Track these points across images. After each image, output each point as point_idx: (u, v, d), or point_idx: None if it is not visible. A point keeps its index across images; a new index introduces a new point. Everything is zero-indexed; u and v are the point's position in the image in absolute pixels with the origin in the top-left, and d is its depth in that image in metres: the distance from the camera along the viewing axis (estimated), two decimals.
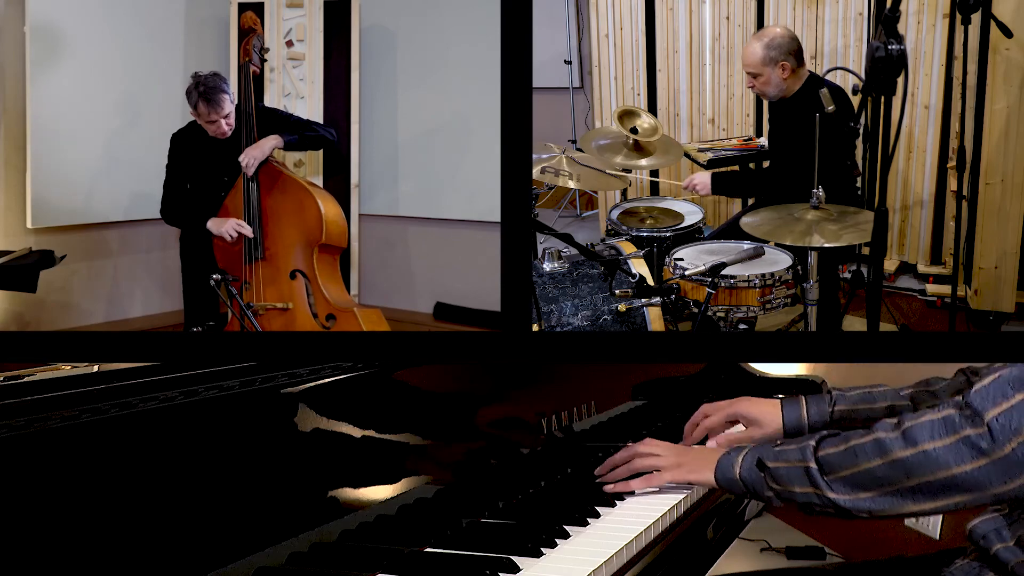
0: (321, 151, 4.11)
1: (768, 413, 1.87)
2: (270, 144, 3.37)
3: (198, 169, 3.44)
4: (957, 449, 1.31)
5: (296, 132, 3.46)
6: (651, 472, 1.71)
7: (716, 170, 3.70)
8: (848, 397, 1.86)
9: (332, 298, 3.31)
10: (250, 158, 3.33)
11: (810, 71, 3.41)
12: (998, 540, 1.58)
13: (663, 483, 1.69)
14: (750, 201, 3.88)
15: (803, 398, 1.89)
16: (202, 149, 3.42)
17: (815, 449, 1.46)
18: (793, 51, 3.31)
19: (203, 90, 3.29)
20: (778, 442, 1.56)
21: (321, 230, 3.32)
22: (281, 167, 3.44)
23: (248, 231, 3.31)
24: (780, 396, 1.99)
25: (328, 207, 3.36)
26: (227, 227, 3.31)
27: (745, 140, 4.23)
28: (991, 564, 1.55)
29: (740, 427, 1.92)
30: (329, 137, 3.59)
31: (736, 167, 4.08)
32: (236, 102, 3.42)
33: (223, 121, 3.34)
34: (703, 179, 3.52)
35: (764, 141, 4.11)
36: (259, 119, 3.41)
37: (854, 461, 1.40)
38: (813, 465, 1.45)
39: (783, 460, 1.50)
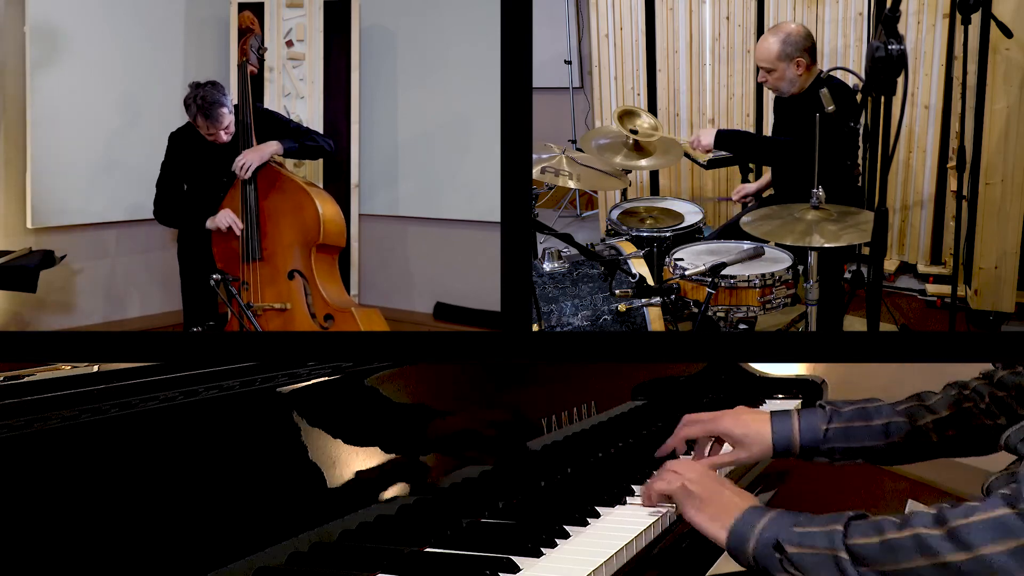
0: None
1: (755, 432, 1.75)
2: (270, 150, 3.36)
3: (196, 170, 3.44)
4: (1018, 555, 1.21)
5: (297, 140, 3.46)
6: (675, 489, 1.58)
7: (722, 128, 3.65)
8: (843, 413, 1.77)
9: (330, 298, 3.31)
10: (248, 160, 3.32)
11: (821, 70, 3.41)
12: None
13: (679, 514, 1.56)
14: (750, 202, 3.88)
15: (794, 412, 1.78)
16: (200, 150, 3.42)
17: (844, 535, 1.34)
18: (807, 48, 3.32)
19: (201, 104, 3.29)
20: (799, 521, 1.41)
21: (319, 230, 3.31)
22: (279, 167, 3.44)
23: (237, 226, 3.31)
24: (775, 399, 1.92)
25: (326, 207, 3.35)
26: (219, 219, 3.32)
27: None
28: None
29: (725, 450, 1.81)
30: (327, 148, 3.59)
31: (736, 166, 4.08)
32: (236, 103, 3.42)
33: (222, 132, 3.35)
34: (706, 137, 3.46)
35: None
36: (257, 121, 3.40)
37: (893, 559, 1.29)
38: (844, 555, 1.32)
39: (807, 546, 1.36)
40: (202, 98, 3.29)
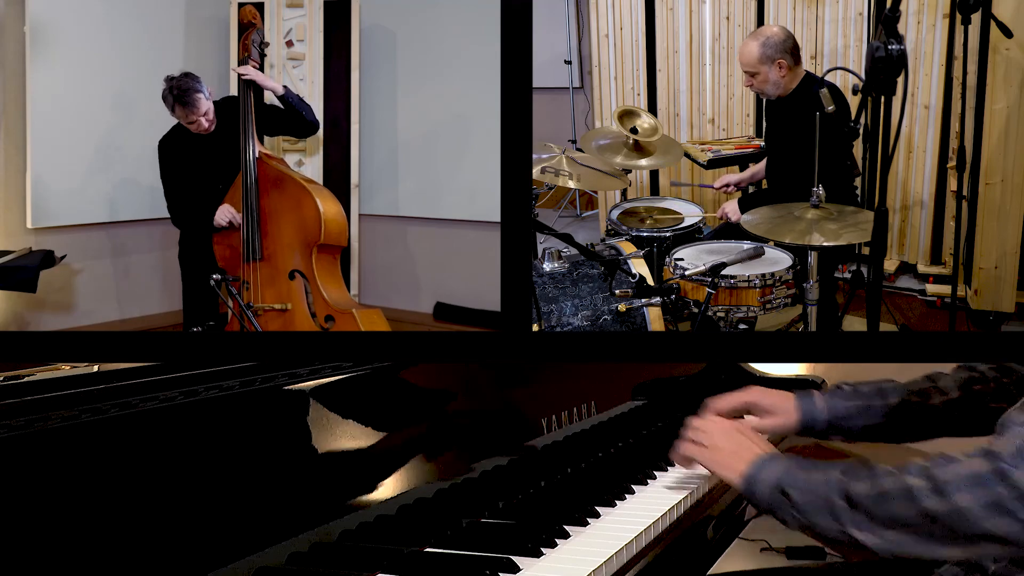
0: (322, 151, 4.11)
1: (782, 403, 1.85)
2: (271, 82, 3.42)
3: (192, 169, 3.45)
4: (989, 508, 1.31)
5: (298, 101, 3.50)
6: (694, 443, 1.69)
7: (739, 197, 3.65)
8: (862, 392, 1.86)
9: (331, 299, 3.29)
10: (248, 70, 3.35)
11: (807, 70, 3.41)
12: None
13: (696, 468, 1.71)
14: (731, 189, 3.88)
15: (815, 392, 1.88)
16: (191, 149, 3.44)
17: (842, 483, 1.43)
18: (789, 49, 3.31)
19: (177, 93, 3.32)
20: (806, 466, 1.51)
21: (320, 229, 3.29)
22: (280, 165, 3.43)
23: (236, 218, 3.31)
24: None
25: (327, 206, 3.33)
26: (217, 216, 3.33)
27: (745, 140, 4.23)
28: (976, 569, 1.57)
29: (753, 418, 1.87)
30: (315, 123, 3.61)
31: (736, 166, 4.08)
32: (237, 96, 3.43)
33: (202, 119, 3.37)
34: (732, 207, 3.49)
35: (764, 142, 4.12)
36: (258, 115, 3.40)
37: (883, 505, 1.39)
38: (840, 502, 1.42)
39: (809, 491, 1.46)
40: (176, 87, 3.32)
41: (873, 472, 1.43)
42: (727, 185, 3.82)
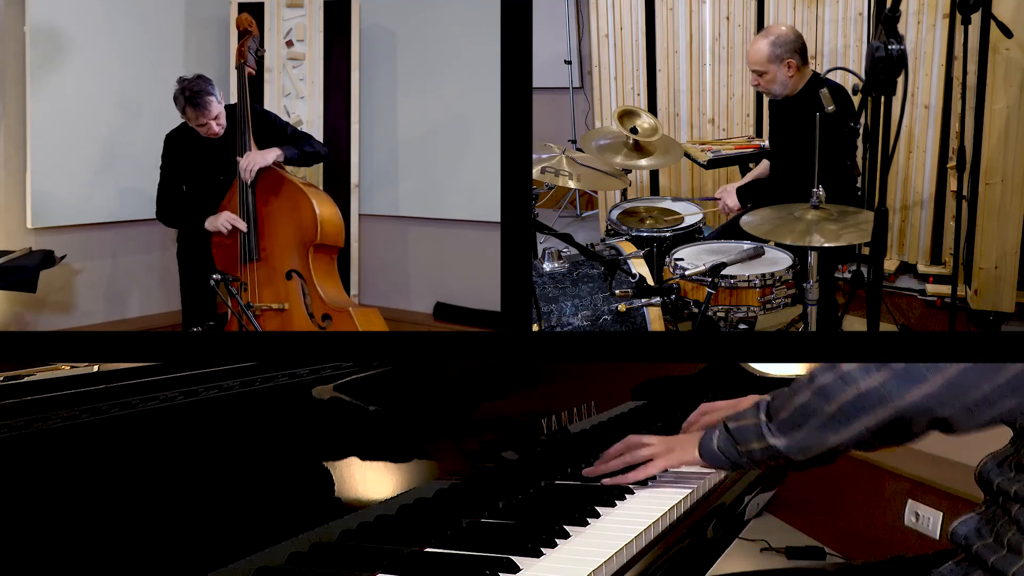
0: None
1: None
2: (272, 156, 3.35)
3: (193, 169, 3.45)
4: (866, 368, 1.48)
5: (296, 146, 3.46)
6: (645, 463, 1.79)
7: (736, 185, 3.65)
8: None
9: (328, 298, 3.30)
10: (251, 163, 3.31)
11: (813, 70, 3.41)
12: (978, 538, 1.58)
13: (657, 471, 1.78)
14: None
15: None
16: (196, 149, 3.43)
17: (768, 404, 1.58)
18: (798, 49, 3.31)
19: (188, 95, 3.30)
20: (740, 411, 1.67)
21: (316, 230, 3.29)
22: (277, 167, 3.43)
23: (242, 225, 3.31)
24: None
25: (323, 207, 3.34)
26: (220, 221, 3.32)
27: (746, 140, 4.23)
28: (976, 563, 1.56)
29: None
30: (323, 153, 3.60)
31: (736, 166, 4.08)
32: (233, 102, 3.43)
33: (213, 123, 3.35)
34: (732, 200, 3.51)
35: (765, 142, 4.11)
36: (255, 122, 3.40)
37: (791, 399, 1.53)
38: (763, 417, 1.59)
39: (741, 420, 1.64)
40: (189, 89, 3.31)
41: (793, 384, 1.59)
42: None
